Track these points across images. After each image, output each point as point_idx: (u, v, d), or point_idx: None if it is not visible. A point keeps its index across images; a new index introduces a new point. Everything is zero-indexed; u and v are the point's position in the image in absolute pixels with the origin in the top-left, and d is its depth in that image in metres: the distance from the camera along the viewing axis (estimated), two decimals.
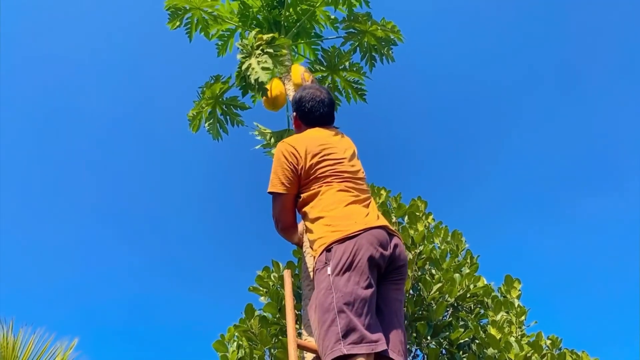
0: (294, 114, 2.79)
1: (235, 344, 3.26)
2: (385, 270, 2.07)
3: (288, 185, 2.33)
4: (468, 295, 3.45)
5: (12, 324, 6.11)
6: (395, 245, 2.12)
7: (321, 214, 2.17)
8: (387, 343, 1.88)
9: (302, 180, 2.35)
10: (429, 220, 4.19)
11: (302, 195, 2.35)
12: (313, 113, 2.69)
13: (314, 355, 2.06)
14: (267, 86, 3.50)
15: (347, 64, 4.19)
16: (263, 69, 3.22)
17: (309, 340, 2.12)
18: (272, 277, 3.44)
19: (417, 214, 3.94)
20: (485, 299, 3.57)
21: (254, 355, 3.21)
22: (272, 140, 3.68)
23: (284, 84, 3.69)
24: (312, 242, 2.19)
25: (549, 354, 2.98)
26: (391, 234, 2.14)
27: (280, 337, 3.16)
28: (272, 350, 3.26)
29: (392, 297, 2.08)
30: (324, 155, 2.36)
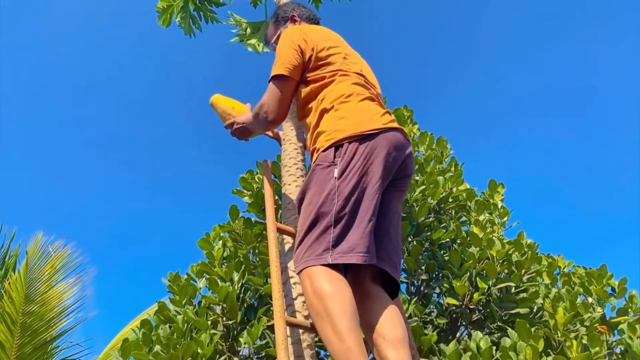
0: (293, 17, 2.45)
1: (220, 242, 3.28)
2: (393, 177, 1.84)
3: (292, 69, 1.97)
4: (450, 198, 3.46)
5: (53, 238, 5.97)
6: (409, 153, 1.89)
7: (332, 105, 1.85)
8: (382, 255, 1.70)
9: (311, 68, 2.00)
10: (414, 129, 4.14)
11: (310, 85, 1.98)
12: (312, 13, 2.49)
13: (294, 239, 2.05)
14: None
15: None
16: None
17: (287, 225, 2.10)
18: (256, 179, 3.41)
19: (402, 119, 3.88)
20: (468, 203, 3.59)
21: (239, 254, 3.23)
22: (248, 30, 3.50)
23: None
24: (315, 136, 1.85)
25: (529, 252, 3.03)
26: (407, 140, 1.88)
27: (264, 233, 3.17)
28: (256, 249, 3.29)
29: (393, 208, 1.85)
30: (337, 50, 2.06)
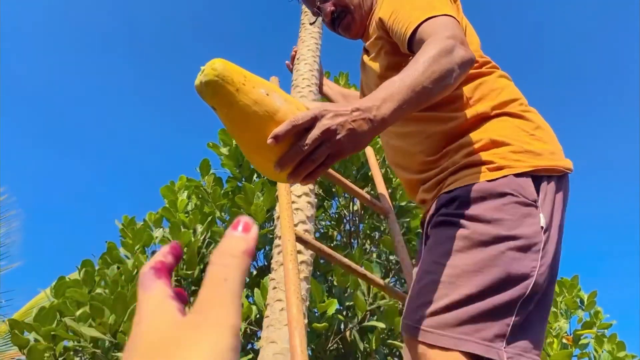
0: None
1: (185, 193, 3.01)
2: None
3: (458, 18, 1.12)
4: None
5: None
6: None
7: (515, 107, 1.18)
8: None
9: None
10: None
11: None
12: None
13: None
14: None
15: None
16: None
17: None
18: None
19: None
20: None
21: (204, 210, 2.97)
22: None
23: None
24: (484, 144, 1.12)
25: None
26: None
27: (239, 187, 2.94)
28: (223, 212, 3.04)
29: None
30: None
